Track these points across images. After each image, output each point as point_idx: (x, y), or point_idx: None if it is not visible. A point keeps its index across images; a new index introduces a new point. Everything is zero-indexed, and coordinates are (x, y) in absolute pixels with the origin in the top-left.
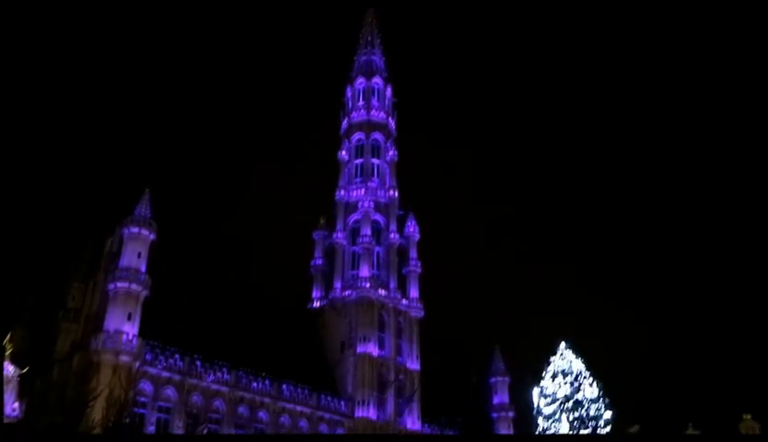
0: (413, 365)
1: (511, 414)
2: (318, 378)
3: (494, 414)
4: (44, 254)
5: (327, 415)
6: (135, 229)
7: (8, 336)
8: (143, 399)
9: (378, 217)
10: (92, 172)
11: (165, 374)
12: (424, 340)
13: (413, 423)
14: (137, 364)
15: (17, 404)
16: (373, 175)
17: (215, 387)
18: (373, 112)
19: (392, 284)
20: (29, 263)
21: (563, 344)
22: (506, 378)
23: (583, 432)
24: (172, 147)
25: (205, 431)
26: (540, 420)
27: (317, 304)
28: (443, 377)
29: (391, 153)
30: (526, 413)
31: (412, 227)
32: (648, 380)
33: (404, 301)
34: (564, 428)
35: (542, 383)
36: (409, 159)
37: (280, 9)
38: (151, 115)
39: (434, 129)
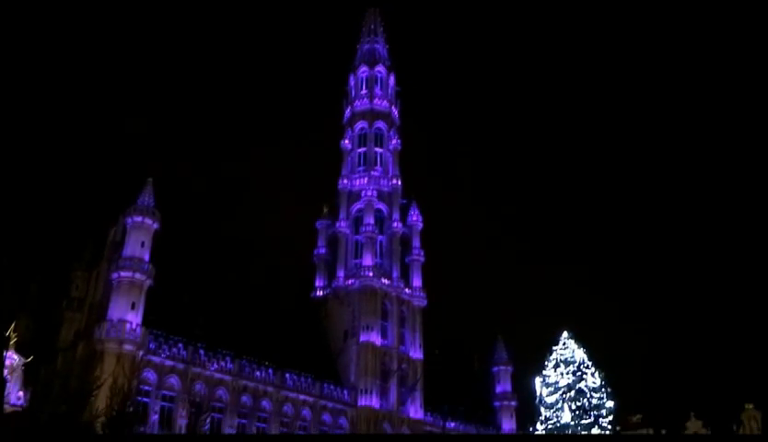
0: (416, 354)
1: (514, 403)
2: (321, 367)
3: (497, 403)
4: (48, 243)
5: (330, 404)
6: (139, 218)
7: (13, 325)
8: (146, 387)
9: (381, 206)
10: (95, 162)
11: (168, 363)
12: (427, 329)
13: (415, 411)
14: (141, 353)
15: (21, 393)
16: (376, 164)
17: (218, 376)
18: (376, 101)
19: (395, 274)
20: (33, 253)
21: (565, 334)
22: (509, 368)
23: (584, 421)
24: (175, 136)
25: (208, 420)
26: (542, 409)
27: (320, 293)
28: (446, 366)
29: (394, 142)
30: (528, 402)
31: (415, 216)
32: (650, 370)
33: (407, 290)
34: (566, 417)
35: (545, 372)
36: (412, 148)
37: None
38: (154, 104)
39: (437, 117)
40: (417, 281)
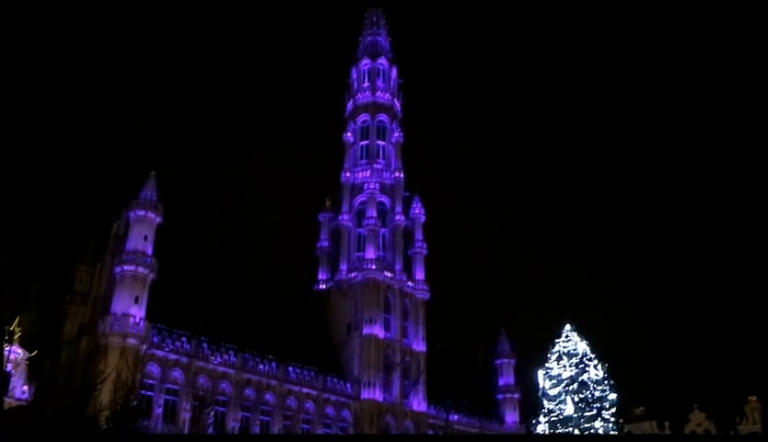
0: (419, 346)
1: (517, 396)
2: (324, 360)
3: (500, 396)
4: (51, 238)
5: (333, 397)
6: (141, 212)
7: (17, 320)
8: (150, 381)
9: (384, 199)
10: (98, 156)
11: (172, 356)
12: (430, 322)
13: (418, 404)
14: (144, 346)
15: (26, 387)
16: (378, 157)
17: (221, 369)
18: (378, 94)
19: (398, 266)
20: (36, 248)
21: (568, 326)
22: (512, 360)
23: (587, 413)
24: (177, 130)
25: (212, 413)
26: (545, 402)
27: (323, 286)
28: (449, 358)
29: (397, 134)
30: (531, 395)
31: (417, 209)
32: (653, 362)
33: (410, 283)
34: (569, 410)
35: (548, 365)
36: (414, 141)
37: None
38: (156, 98)
39: (440, 109)
40: (420, 274)
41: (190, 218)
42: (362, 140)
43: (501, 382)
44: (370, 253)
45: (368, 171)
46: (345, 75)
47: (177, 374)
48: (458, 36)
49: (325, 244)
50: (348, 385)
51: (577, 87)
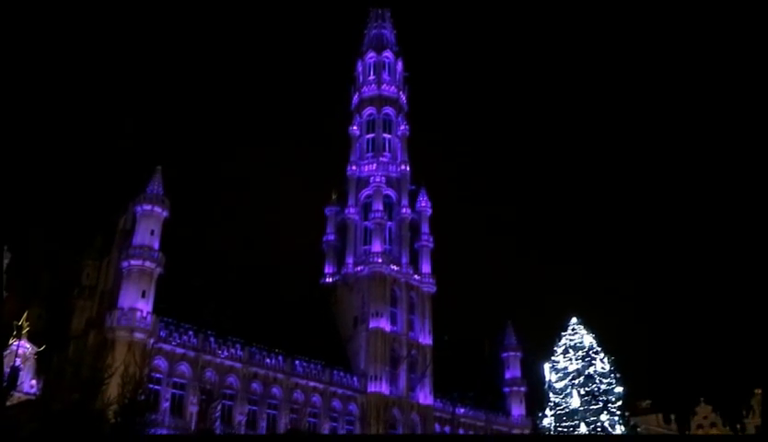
0: (426, 340)
1: (523, 389)
2: (330, 353)
3: (507, 389)
4: (58, 233)
5: (340, 391)
6: (148, 207)
7: (25, 315)
8: (157, 375)
9: (390, 192)
10: (104, 150)
11: (179, 350)
12: (437, 315)
13: (425, 398)
14: (152, 340)
15: (34, 382)
16: (384, 150)
17: (228, 363)
18: (384, 87)
19: (404, 260)
20: (44, 242)
21: (574, 319)
22: (518, 353)
23: (594, 406)
24: (184, 124)
25: (219, 407)
26: (551, 395)
27: (329, 280)
28: (455, 352)
29: (403, 127)
30: (538, 388)
31: (423, 202)
32: (660, 355)
33: (416, 276)
34: (575, 403)
35: (554, 358)
36: (420, 134)
37: None
38: (163, 93)
39: (446, 102)
40: (426, 267)
41: (196, 213)
42: (368, 133)
43: (507, 375)
44: (377, 247)
45: (374, 164)
46: (351, 69)
47: (184, 368)
48: (463, 28)
49: (331, 238)
50: (355, 378)
51: (584, 81)
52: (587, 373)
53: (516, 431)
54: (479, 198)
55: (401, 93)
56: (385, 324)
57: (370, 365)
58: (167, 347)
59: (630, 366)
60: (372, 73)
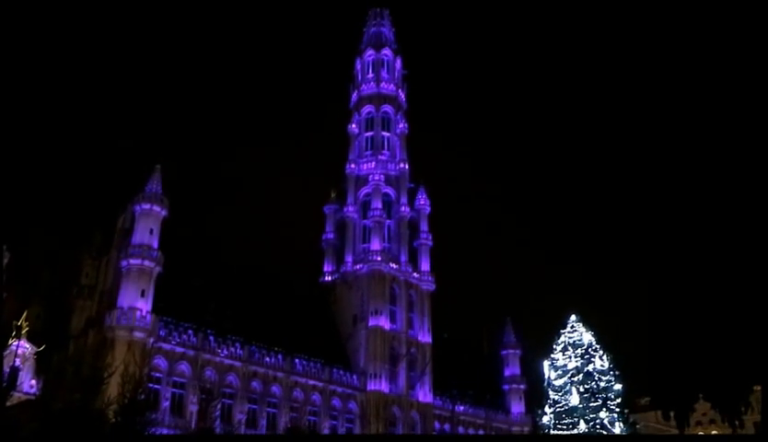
0: (425, 338)
1: (522, 387)
2: (330, 351)
3: (506, 387)
4: (57, 232)
5: (339, 389)
6: (147, 206)
7: (24, 315)
8: (157, 374)
9: (389, 190)
10: (103, 149)
11: (179, 349)
12: (436, 313)
13: (424, 395)
14: (151, 340)
15: (34, 382)
16: (383, 148)
17: (228, 362)
18: (383, 85)
19: (403, 258)
20: (43, 242)
21: (573, 317)
22: (518, 351)
23: (593, 404)
24: (183, 123)
25: (219, 406)
26: (550, 392)
27: (328, 278)
28: (454, 349)
29: (401, 125)
30: (537, 386)
31: (422, 200)
32: (659, 352)
33: (415, 274)
34: (574, 400)
35: (553, 356)
36: (419, 132)
37: None
38: (160, 91)
39: (445, 100)
40: (425, 265)
41: (195, 212)
42: (367, 131)
43: (507, 373)
44: (376, 245)
45: (373, 163)
46: (350, 67)
47: (184, 367)
48: (462, 25)
49: (330, 236)
50: (354, 377)
51: (584, 77)
52: (586, 370)
53: (515, 428)
54: (478, 196)
55: (399, 91)
56: (384, 322)
57: (370, 363)
58: (166, 346)
59: (629, 363)
60: (371, 71)
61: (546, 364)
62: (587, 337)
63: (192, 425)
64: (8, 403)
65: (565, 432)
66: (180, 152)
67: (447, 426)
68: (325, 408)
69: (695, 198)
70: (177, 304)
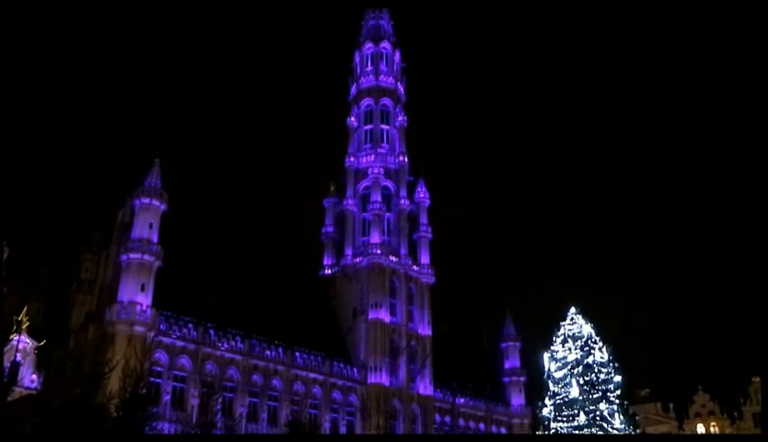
0: (425, 330)
1: (523, 379)
2: (330, 344)
3: (506, 379)
4: (56, 227)
5: (340, 382)
6: (146, 200)
7: (24, 310)
8: (158, 368)
9: (389, 183)
10: (102, 144)
11: (179, 343)
12: (436, 306)
13: (425, 388)
14: (152, 334)
15: (35, 377)
16: (383, 141)
17: (228, 355)
18: (381, 78)
19: (403, 251)
20: (42, 237)
21: (573, 309)
22: (518, 343)
23: (593, 396)
24: (182, 117)
25: (220, 399)
26: (550, 384)
27: (328, 271)
28: (455, 342)
29: (401, 118)
30: (537, 378)
31: (422, 193)
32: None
33: (415, 267)
34: (574, 392)
35: (553, 348)
36: (419, 125)
37: None
38: (159, 85)
39: (443, 93)
40: (425, 258)
41: (195, 205)
42: (366, 124)
43: (507, 365)
44: (375, 238)
45: (373, 156)
46: (349, 60)
47: (184, 361)
48: (460, 18)
49: (330, 229)
50: (355, 369)
51: (582, 70)
52: (586, 362)
53: (516, 420)
54: (477, 189)
55: (398, 84)
56: (384, 315)
57: (370, 356)
58: (167, 340)
59: (628, 355)
60: (370, 64)
61: (546, 356)
62: (587, 329)
63: (194, 419)
64: (9, 398)
65: (565, 423)
66: (180, 147)
67: (447, 419)
68: (326, 401)
69: (694, 190)
70: (177, 298)
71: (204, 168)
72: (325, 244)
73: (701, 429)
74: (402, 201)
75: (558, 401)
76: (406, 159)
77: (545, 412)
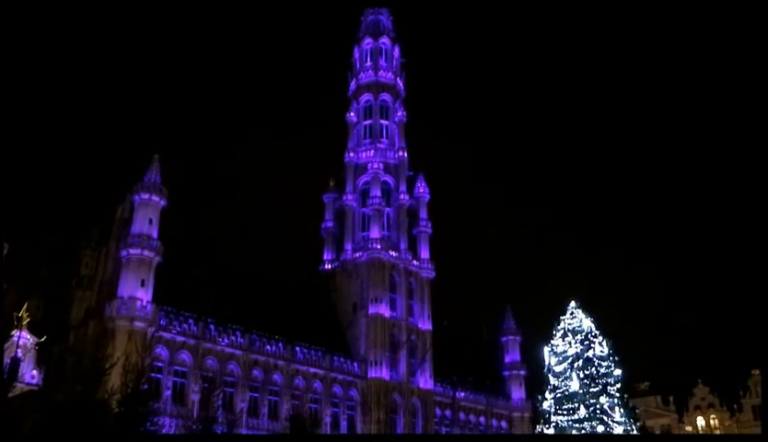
0: (425, 325)
1: (523, 373)
2: (330, 339)
3: (506, 373)
4: (56, 223)
5: (340, 376)
6: (146, 196)
7: (25, 306)
8: (158, 364)
9: (388, 178)
10: (101, 140)
11: (180, 338)
12: (436, 300)
13: (425, 382)
14: (152, 329)
15: (35, 372)
16: (382, 136)
17: (229, 350)
18: (381, 73)
19: (403, 245)
20: (42, 233)
21: (573, 303)
22: (518, 337)
23: (593, 389)
24: (181, 113)
25: (221, 394)
26: (551, 378)
27: (328, 266)
28: (455, 336)
29: (400, 113)
30: (537, 372)
31: (422, 188)
32: (658, 338)
33: (415, 262)
34: (574, 386)
35: (553, 342)
36: (418, 120)
37: None
38: (158, 80)
39: (443, 88)
40: (425, 252)
41: (194, 201)
42: (365, 120)
43: (507, 359)
44: (375, 233)
45: (372, 151)
46: (348, 55)
47: (185, 356)
48: (460, 13)
49: (330, 224)
50: (355, 364)
51: (581, 65)
52: (586, 356)
53: (516, 414)
54: (477, 183)
55: (398, 79)
56: (384, 310)
57: (370, 350)
58: (167, 336)
59: (628, 349)
60: (369, 59)
61: (546, 350)
62: (587, 323)
63: (195, 414)
64: (10, 394)
65: (566, 417)
66: (179, 144)
67: (447, 412)
68: (326, 395)
69: (694, 184)
70: (177, 293)
71: (204, 167)
72: (325, 239)
73: (701, 422)
74: (402, 196)
75: (558, 395)
76: (405, 154)
77: (545, 405)
